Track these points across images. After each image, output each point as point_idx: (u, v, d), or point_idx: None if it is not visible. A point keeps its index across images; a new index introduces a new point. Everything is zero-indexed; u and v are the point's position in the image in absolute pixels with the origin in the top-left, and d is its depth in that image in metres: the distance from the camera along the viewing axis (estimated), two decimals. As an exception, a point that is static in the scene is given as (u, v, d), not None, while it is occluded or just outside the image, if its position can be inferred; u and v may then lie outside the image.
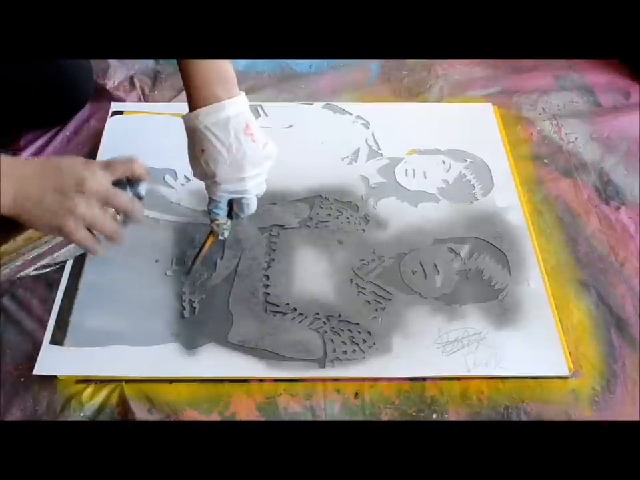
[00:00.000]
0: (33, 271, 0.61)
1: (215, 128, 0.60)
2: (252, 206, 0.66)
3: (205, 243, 0.69)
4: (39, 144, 0.84)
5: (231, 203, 0.65)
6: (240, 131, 0.60)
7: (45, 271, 0.62)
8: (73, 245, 0.58)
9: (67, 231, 0.54)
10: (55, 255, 0.61)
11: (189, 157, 0.63)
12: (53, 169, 0.54)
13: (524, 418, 0.61)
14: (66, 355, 0.63)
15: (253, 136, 0.61)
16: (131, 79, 0.94)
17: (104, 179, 0.55)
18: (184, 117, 0.62)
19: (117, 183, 0.56)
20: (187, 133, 0.62)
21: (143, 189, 0.59)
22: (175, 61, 0.77)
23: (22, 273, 0.60)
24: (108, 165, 0.56)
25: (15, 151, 0.83)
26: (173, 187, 0.78)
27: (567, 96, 0.92)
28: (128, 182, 0.58)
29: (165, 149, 0.81)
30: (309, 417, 0.62)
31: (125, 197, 0.56)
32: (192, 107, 0.61)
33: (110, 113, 0.86)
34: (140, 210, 0.58)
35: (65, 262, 0.66)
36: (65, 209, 0.53)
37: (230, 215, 0.67)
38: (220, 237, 0.68)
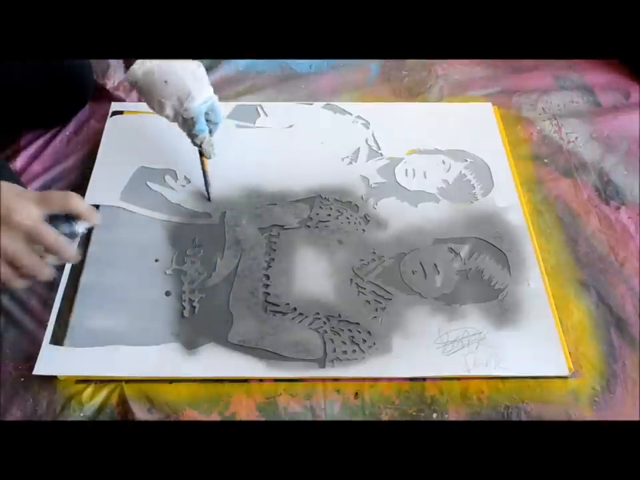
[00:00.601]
0: None
1: (163, 61, 0.67)
2: (221, 109, 0.72)
3: (204, 169, 0.75)
4: (39, 144, 0.84)
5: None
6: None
7: None
8: None
9: None
10: None
11: (153, 101, 0.68)
12: None
13: (524, 418, 0.61)
14: (66, 355, 0.63)
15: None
16: (131, 79, 0.94)
17: (33, 213, 0.52)
18: (133, 67, 0.67)
19: (57, 218, 0.54)
20: (140, 81, 0.67)
21: (80, 227, 0.55)
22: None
23: None
24: (43, 198, 0.53)
25: (15, 151, 0.83)
26: (173, 188, 0.78)
27: (566, 96, 0.92)
28: (67, 218, 0.54)
29: (165, 149, 0.82)
30: (309, 417, 0.62)
31: (50, 235, 0.52)
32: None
33: (110, 113, 0.86)
34: (68, 250, 0.54)
35: None
36: None
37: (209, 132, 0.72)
38: (212, 156, 0.73)
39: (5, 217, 0.51)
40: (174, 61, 0.68)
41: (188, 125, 0.70)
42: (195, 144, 0.72)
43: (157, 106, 0.69)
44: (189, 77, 0.68)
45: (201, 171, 0.75)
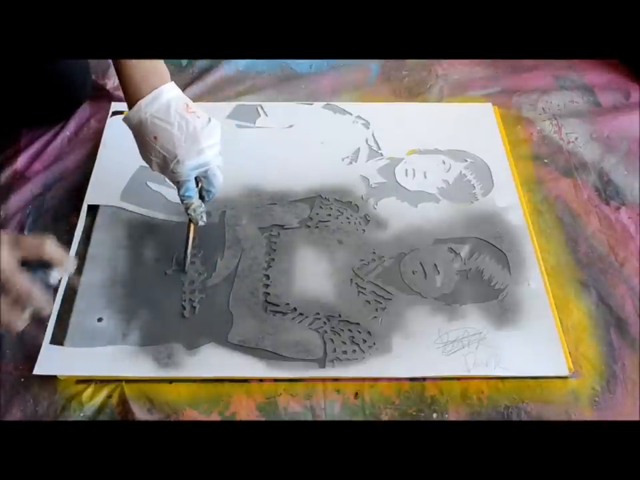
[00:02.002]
0: None
1: (161, 113, 0.61)
2: (219, 177, 0.66)
3: (188, 235, 0.69)
4: (40, 144, 0.84)
5: (197, 185, 0.67)
6: (183, 110, 0.62)
7: None
8: None
9: None
10: None
11: (142, 154, 0.64)
12: None
13: (524, 418, 0.61)
14: (66, 355, 0.63)
15: (196, 113, 0.63)
16: (131, 79, 0.94)
17: (8, 258, 0.48)
18: (127, 116, 0.63)
19: (29, 264, 0.50)
20: (133, 130, 0.63)
21: (53, 277, 0.51)
22: (174, 61, 0.77)
23: None
24: (17, 242, 0.49)
25: (16, 151, 0.83)
26: (173, 188, 0.78)
27: (566, 96, 0.92)
28: (42, 264, 0.50)
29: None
30: (309, 417, 0.62)
31: (23, 283, 0.49)
32: (131, 103, 0.63)
33: (110, 113, 0.86)
34: (42, 300, 0.50)
35: None
36: None
37: (201, 196, 0.67)
38: (200, 223, 0.67)
39: None
40: (175, 112, 0.62)
41: (176, 186, 0.66)
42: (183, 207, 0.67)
43: (146, 159, 0.64)
44: (181, 137, 0.61)
45: (185, 239, 0.69)
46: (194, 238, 0.70)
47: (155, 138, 0.62)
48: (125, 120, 0.64)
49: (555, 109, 0.90)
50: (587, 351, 0.66)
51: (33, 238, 0.51)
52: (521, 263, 0.71)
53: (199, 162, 0.63)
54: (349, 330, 0.66)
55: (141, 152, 0.65)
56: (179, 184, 0.65)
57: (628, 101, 0.91)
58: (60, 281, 0.53)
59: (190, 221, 0.68)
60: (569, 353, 0.65)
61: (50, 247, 0.50)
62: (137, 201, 0.76)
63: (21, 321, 0.50)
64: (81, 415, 0.61)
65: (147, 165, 0.65)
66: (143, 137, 0.62)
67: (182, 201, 0.66)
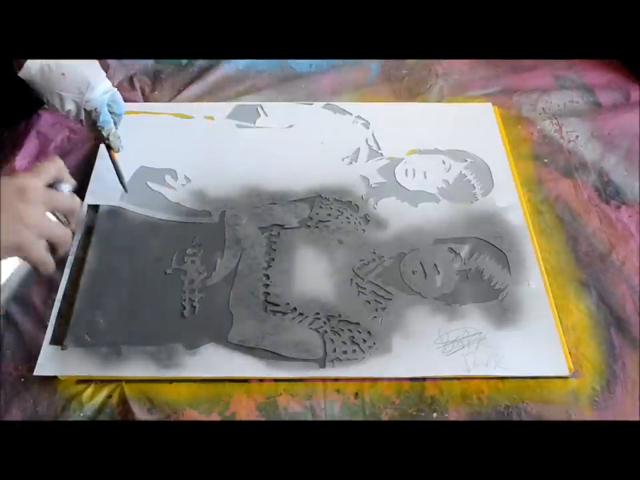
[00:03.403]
0: None
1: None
2: (121, 99, 0.71)
3: (114, 163, 0.73)
4: (40, 144, 0.84)
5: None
6: None
7: None
8: (19, 267, 0.54)
9: (24, 245, 0.50)
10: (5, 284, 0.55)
11: (52, 98, 0.66)
12: None
13: (524, 418, 0.61)
14: (66, 355, 0.63)
15: None
16: (131, 79, 0.94)
17: (40, 184, 0.52)
18: (25, 66, 0.64)
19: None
20: (34, 78, 0.65)
21: (66, 189, 0.55)
22: (175, 61, 0.77)
23: None
24: (37, 171, 0.53)
25: (16, 150, 0.83)
26: (173, 187, 0.78)
27: (567, 95, 0.92)
28: (51, 186, 0.54)
29: (165, 149, 0.82)
30: (309, 417, 0.62)
31: (63, 195, 0.54)
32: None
33: (110, 113, 0.86)
34: (80, 207, 0.56)
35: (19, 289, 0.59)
36: (17, 222, 0.50)
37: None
38: (120, 149, 0.72)
39: (21, 195, 0.50)
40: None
41: (92, 118, 0.68)
42: (100, 138, 0.71)
43: (58, 101, 0.67)
44: (85, 68, 0.66)
45: (114, 168, 0.74)
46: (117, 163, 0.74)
47: (63, 74, 0.65)
48: (23, 72, 0.65)
49: (555, 108, 0.90)
50: (587, 351, 0.66)
51: (46, 164, 0.54)
52: (521, 263, 0.71)
53: (106, 85, 0.68)
54: (349, 330, 0.66)
55: (50, 97, 0.66)
56: (96, 112, 0.68)
57: (628, 100, 0.91)
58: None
59: (109, 148, 0.72)
60: (569, 352, 0.65)
61: (61, 164, 0.55)
62: (137, 201, 0.76)
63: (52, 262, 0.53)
64: (81, 415, 0.61)
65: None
66: (50, 79, 0.65)
67: (102, 129, 0.69)
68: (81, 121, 0.69)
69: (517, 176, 0.80)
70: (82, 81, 0.66)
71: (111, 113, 0.70)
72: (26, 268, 0.54)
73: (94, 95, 0.67)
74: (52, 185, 0.54)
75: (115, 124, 0.72)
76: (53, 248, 0.53)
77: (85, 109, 0.67)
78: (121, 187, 0.76)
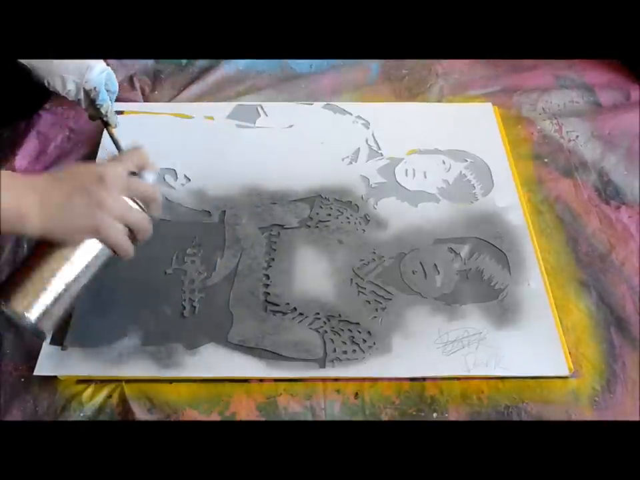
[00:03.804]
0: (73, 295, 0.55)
1: None
2: (115, 78, 0.72)
3: (114, 139, 0.73)
4: (40, 144, 0.84)
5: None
6: None
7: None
8: (101, 249, 0.55)
9: (102, 229, 0.53)
10: (88, 265, 0.55)
11: (53, 79, 0.68)
12: (68, 174, 0.54)
13: (524, 418, 0.61)
14: (66, 355, 0.63)
15: None
16: (131, 78, 0.94)
17: (120, 170, 0.54)
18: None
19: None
20: (34, 65, 0.67)
21: (149, 177, 0.57)
22: (175, 61, 0.77)
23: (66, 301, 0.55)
24: (119, 160, 0.56)
25: (16, 150, 0.83)
26: (173, 187, 0.78)
27: (567, 95, 0.92)
28: (133, 174, 0.56)
29: (165, 149, 0.82)
30: (309, 417, 0.61)
31: (143, 183, 0.56)
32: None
33: (110, 113, 0.86)
34: (159, 194, 0.57)
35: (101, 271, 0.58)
36: (94, 206, 0.52)
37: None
38: (117, 124, 0.73)
39: (100, 181, 0.52)
40: None
41: (91, 97, 0.70)
42: (99, 115, 0.72)
43: (59, 83, 0.69)
44: None
45: (113, 143, 0.74)
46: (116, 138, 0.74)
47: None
48: (25, 60, 0.66)
49: (555, 108, 0.90)
50: (587, 351, 0.66)
51: (129, 151, 0.58)
52: (521, 263, 0.71)
53: (102, 65, 0.70)
54: (349, 330, 0.66)
55: (50, 80, 0.68)
56: (95, 90, 0.69)
57: (628, 100, 0.91)
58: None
59: (107, 125, 0.73)
60: (569, 352, 0.65)
61: (142, 152, 0.58)
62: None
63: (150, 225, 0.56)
64: (81, 415, 0.61)
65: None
66: (51, 63, 0.67)
67: (100, 106, 0.71)
68: (79, 100, 0.71)
69: (517, 176, 0.80)
70: (81, 62, 0.68)
71: (107, 90, 0.72)
72: (107, 251, 0.55)
73: (92, 75, 0.69)
74: (135, 173, 0.56)
75: (110, 100, 0.73)
76: (132, 234, 0.55)
77: (84, 89, 0.69)
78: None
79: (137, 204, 0.55)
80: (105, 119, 0.73)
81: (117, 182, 0.53)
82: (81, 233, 0.53)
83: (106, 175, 0.53)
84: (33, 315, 0.52)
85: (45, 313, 0.53)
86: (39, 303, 0.52)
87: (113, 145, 0.74)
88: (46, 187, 0.52)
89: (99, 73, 0.69)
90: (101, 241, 0.54)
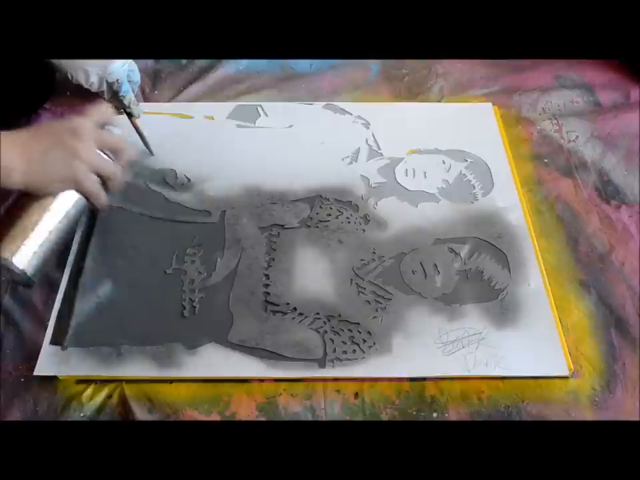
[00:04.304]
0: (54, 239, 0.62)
1: None
2: (137, 68, 0.75)
3: (138, 129, 0.77)
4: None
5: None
6: None
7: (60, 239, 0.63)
8: (78, 199, 0.62)
9: (78, 177, 0.59)
10: (68, 212, 0.62)
11: (77, 74, 0.70)
12: (44, 129, 0.60)
13: (524, 418, 0.61)
14: (66, 355, 0.63)
15: None
16: (131, 78, 0.94)
17: (91, 124, 0.60)
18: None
19: None
20: (62, 61, 0.69)
21: (116, 131, 0.64)
22: (174, 61, 0.77)
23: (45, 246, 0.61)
24: (88, 114, 0.62)
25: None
26: (173, 187, 0.78)
27: (567, 95, 0.92)
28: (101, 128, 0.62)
29: (165, 149, 0.82)
30: (309, 417, 0.62)
31: (113, 136, 0.63)
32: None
33: (110, 113, 0.86)
34: (129, 147, 0.64)
35: (74, 225, 0.67)
36: (71, 156, 0.58)
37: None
38: (141, 114, 0.76)
39: (74, 134, 0.58)
40: None
41: (114, 89, 0.72)
42: (122, 107, 0.74)
43: (83, 76, 0.70)
44: None
45: (137, 133, 0.78)
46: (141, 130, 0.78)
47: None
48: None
49: (555, 108, 0.90)
50: (587, 351, 0.66)
51: (94, 107, 0.65)
52: (521, 263, 0.71)
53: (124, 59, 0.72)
54: (349, 330, 0.66)
55: (73, 73, 0.70)
56: (118, 82, 0.71)
57: (628, 100, 0.91)
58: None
59: (131, 115, 0.75)
60: (569, 352, 0.65)
61: (105, 106, 0.67)
62: (137, 200, 0.76)
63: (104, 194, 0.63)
64: (81, 415, 0.61)
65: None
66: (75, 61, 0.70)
67: (123, 98, 0.73)
68: (102, 92, 0.72)
69: (516, 176, 0.80)
70: None
71: (128, 82, 0.74)
72: (83, 201, 0.63)
73: (115, 66, 0.70)
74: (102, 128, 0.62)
75: (133, 91, 0.75)
76: (104, 183, 0.62)
77: (106, 81, 0.71)
78: (147, 150, 0.80)
79: (107, 155, 0.62)
80: (127, 110, 0.74)
81: (89, 134, 0.59)
82: (59, 182, 0.59)
83: (79, 127, 0.59)
84: (18, 260, 0.59)
85: (29, 259, 0.60)
86: (23, 250, 0.59)
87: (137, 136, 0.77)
88: (25, 141, 0.57)
89: (121, 65, 0.71)
90: (77, 190, 0.61)
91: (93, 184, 0.61)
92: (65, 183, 0.59)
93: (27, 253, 0.59)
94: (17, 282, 0.65)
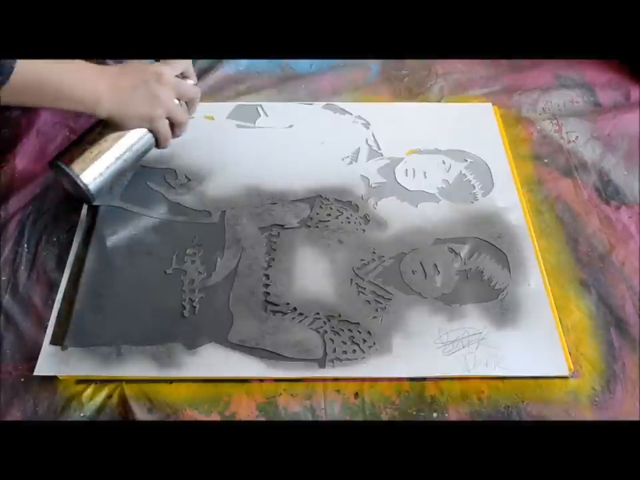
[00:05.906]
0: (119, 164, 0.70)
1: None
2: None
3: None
4: (39, 144, 0.84)
5: None
6: None
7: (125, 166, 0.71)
8: (143, 136, 0.69)
9: (155, 118, 0.66)
10: (134, 147, 0.70)
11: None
12: (132, 68, 0.66)
13: (524, 418, 0.61)
14: (66, 355, 0.63)
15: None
16: (131, 78, 0.94)
17: (172, 73, 0.67)
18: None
19: None
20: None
21: (191, 82, 0.73)
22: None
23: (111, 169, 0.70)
24: (167, 63, 0.68)
25: (15, 150, 0.83)
26: (173, 187, 0.78)
27: (567, 95, 0.92)
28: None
29: (165, 149, 0.82)
30: (309, 417, 0.62)
31: (189, 85, 0.71)
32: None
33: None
34: (199, 98, 0.72)
35: (141, 157, 0.73)
36: (152, 98, 0.65)
37: None
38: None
39: (158, 79, 0.65)
40: None
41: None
42: None
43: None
44: None
45: None
46: None
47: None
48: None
49: (555, 108, 0.90)
50: (587, 351, 0.66)
51: (175, 61, 0.70)
52: (521, 263, 0.71)
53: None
54: (349, 330, 0.66)
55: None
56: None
57: (628, 100, 0.91)
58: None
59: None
60: (569, 352, 0.65)
61: (186, 62, 0.71)
62: (137, 201, 0.76)
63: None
64: (81, 415, 0.61)
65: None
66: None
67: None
68: None
69: (516, 176, 0.80)
70: None
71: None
72: (151, 139, 0.71)
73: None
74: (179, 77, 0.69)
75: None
76: (173, 128, 0.70)
77: None
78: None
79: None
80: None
81: (171, 82, 0.66)
82: (138, 119, 0.66)
83: (163, 74, 0.66)
84: (86, 177, 0.68)
85: (95, 177, 0.68)
86: (92, 168, 0.68)
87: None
88: (115, 75, 0.63)
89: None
90: (150, 129, 0.68)
91: (166, 127, 0.68)
92: (142, 120, 0.66)
93: (93, 173, 0.68)
94: (78, 198, 0.72)
